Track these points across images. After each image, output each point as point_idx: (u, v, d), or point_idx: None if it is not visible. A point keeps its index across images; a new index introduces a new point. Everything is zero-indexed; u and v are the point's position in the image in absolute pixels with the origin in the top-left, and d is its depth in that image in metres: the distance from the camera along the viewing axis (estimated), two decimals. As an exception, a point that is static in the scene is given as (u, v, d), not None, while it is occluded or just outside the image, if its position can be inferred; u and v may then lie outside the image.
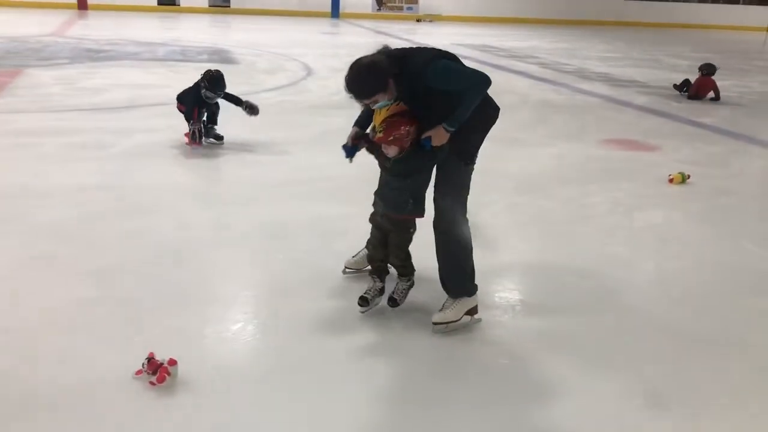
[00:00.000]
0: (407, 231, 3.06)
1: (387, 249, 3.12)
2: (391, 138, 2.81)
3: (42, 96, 7.88)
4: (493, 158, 5.98)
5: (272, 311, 3.20)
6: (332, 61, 12.24)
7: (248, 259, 3.79)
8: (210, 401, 2.48)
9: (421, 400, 2.56)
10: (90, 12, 21.44)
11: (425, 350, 2.90)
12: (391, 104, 2.83)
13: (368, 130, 3.01)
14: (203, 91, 5.61)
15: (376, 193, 3.12)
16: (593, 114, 8.60)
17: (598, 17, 27.31)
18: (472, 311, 3.08)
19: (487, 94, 2.93)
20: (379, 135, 2.83)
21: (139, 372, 2.54)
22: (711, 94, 9.65)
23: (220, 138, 5.93)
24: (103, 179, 4.95)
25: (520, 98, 9.45)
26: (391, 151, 2.87)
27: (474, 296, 3.09)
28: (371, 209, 3.21)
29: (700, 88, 9.69)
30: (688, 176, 5.49)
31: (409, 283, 3.18)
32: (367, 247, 3.32)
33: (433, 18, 25.02)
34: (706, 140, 7.29)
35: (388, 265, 3.20)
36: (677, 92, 9.99)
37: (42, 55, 11.14)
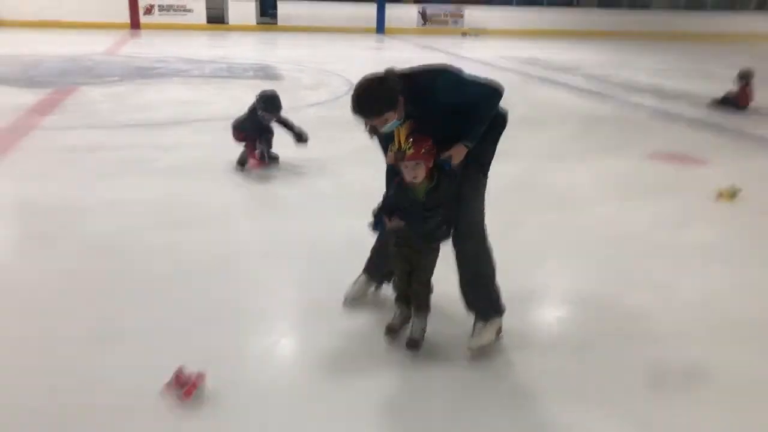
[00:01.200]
0: (436, 252, 2.95)
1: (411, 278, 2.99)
2: (423, 151, 2.68)
3: (92, 113, 8.11)
4: (537, 172, 5.93)
5: (304, 328, 3.19)
6: (376, 76, 12.26)
7: (283, 274, 3.80)
8: (236, 417, 2.47)
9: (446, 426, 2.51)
10: (142, 31, 22.07)
11: (451, 374, 2.83)
12: (401, 124, 2.69)
13: (390, 154, 2.79)
14: (260, 112, 5.56)
15: (402, 228, 2.92)
16: (640, 127, 8.41)
17: (648, 29, 26.79)
18: (498, 330, 3.01)
19: None
20: (410, 152, 2.68)
21: (167, 386, 2.56)
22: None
23: (275, 158, 5.88)
24: (146, 194, 5.04)
25: (566, 111, 9.31)
26: (420, 174, 2.72)
27: (503, 315, 3.01)
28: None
29: (751, 96, 9.43)
30: (739, 191, 5.29)
31: (425, 323, 3.01)
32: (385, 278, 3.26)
33: (478, 32, 24.93)
34: (759, 154, 7.05)
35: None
36: (725, 105, 9.64)
37: (94, 73, 11.49)
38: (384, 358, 2.91)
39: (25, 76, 10.77)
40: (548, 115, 9.00)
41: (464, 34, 24.91)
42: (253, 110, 5.63)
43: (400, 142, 2.71)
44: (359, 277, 3.35)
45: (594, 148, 7.11)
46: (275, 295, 3.56)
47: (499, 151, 2.92)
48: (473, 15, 25.74)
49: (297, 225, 4.59)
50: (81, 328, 3.08)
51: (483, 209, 2.89)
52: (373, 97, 2.63)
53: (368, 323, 3.18)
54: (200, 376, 2.53)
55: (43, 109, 8.15)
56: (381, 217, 2.85)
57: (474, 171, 2.83)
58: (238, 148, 5.80)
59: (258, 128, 5.65)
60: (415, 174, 2.73)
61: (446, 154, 2.73)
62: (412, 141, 2.69)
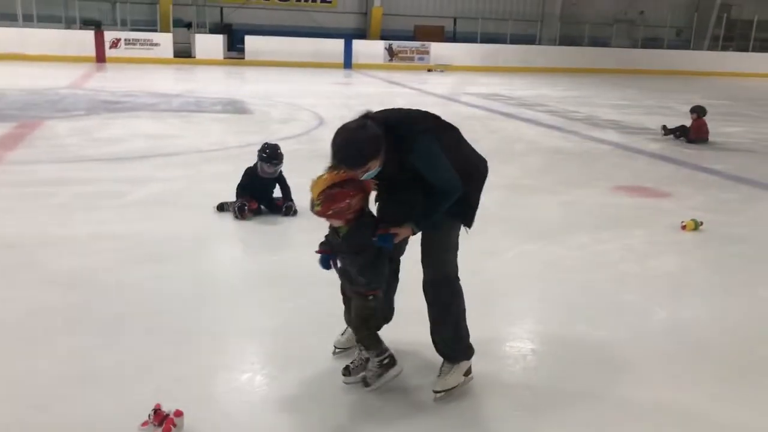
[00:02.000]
0: (365, 299, 2.82)
1: None
2: (330, 212, 2.62)
3: (58, 147, 8.03)
4: (504, 205, 6.01)
5: (280, 362, 3.16)
6: (344, 111, 12.40)
7: (258, 308, 3.78)
8: (216, 454, 2.45)
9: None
10: (108, 65, 21.96)
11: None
12: (375, 172, 2.61)
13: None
14: (259, 164, 5.34)
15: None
16: (604, 161, 8.62)
17: (609, 66, 27.54)
18: (468, 372, 2.94)
19: (472, 147, 2.87)
20: (318, 208, 2.61)
21: (145, 423, 2.52)
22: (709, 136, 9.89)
23: (293, 212, 5.44)
24: (116, 228, 4.98)
25: (530, 146, 9.51)
26: (335, 223, 2.70)
27: (471, 358, 2.94)
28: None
29: (700, 130, 9.84)
30: (701, 223, 5.45)
31: (379, 360, 2.86)
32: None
33: (443, 68, 25.39)
34: (719, 187, 7.27)
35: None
36: (670, 137, 10.11)
37: (60, 107, 11.38)
38: (353, 399, 2.86)
39: (-12, 110, 10.63)
40: (514, 149, 9.18)
41: (430, 69, 25.33)
42: (251, 169, 5.43)
43: (312, 196, 2.63)
44: (347, 327, 3.20)
45: (560, 181, 7.25)
46: (250, 330, 3.53)
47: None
48: (438, 51, 26.25)
49: (271, 259, 4.59)
50: (52, 366, 3.01)
51: (455, 254, 2.85)
52: (357, 146, 2.54)
53: (346, 354, 3.16)
54: (178, 413, 2.50)
55: (8, 143, 8.04)
56: (325, 255, 2.82)
57: (452, 219, 2.77)
58: (208, 182, 5.78)
59: (252, 187, 5.38)
60: (330, 222, 2.72)
61: (393, 230, 2.68)
62: (323, 198, 2.60)
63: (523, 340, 3.56)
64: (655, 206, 6.28)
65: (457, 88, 18.07)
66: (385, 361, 2.87)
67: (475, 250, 4.57)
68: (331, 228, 2.77)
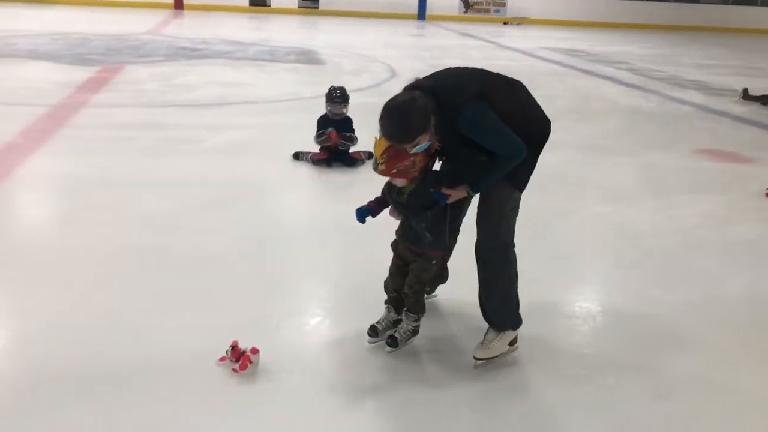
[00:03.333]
0: (428, 262, 2.80)
1: (404, 279, 2.85)
2: (395, 171, 2.60)
3: (140, 91, 8.27)
4: (580, 166, 5.90)
5: (349, 308, 3.23)
6: (417, 63, 12.30)
7: (331, 255, 3.87)
8: (288, 391, 2.55)
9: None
10: (185, 12, 22.32)
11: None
12: (429, 144, 2.58)
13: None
14: (328, 104, 5.43)
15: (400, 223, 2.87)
16: (686, 123, 8.29)
17: (696, 22, 26.22)
18: (513, 341, 2.86)
19: (537, 106, 2.71)
20: (381, 167, 2.60)
21: (222, 359, 2.64)
22: None
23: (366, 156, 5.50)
24: (195, 173, 5.14)
25: (609, 105, 9.22)
26: (399, 182, 2.68)
27: (518, 329, 2.85)
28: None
29: None
30: (787, 191, 5.21)
31: (415, 325, 2.87)
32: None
33: (520, 21, 24.71)
34: (808, 154, 6.90)
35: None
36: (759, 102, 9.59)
37: (140, 53, 11.68)
38: (426, 338, 2.93)
39: (74, 53, 11.01)
40: (592, 108, 8.93)
41: (506, 22, 24.71)
42: (324, 116, 5.50)
43: (375, 155, 2.64)
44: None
45: (639, 142, 7.03)
46: (321, 274, 3.64)
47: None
48: (516, 3, 25.51)
49: (339, 206, 4.62)
50: (134, 302, 3.18)
51: (512, 220, 2.74)
52: (405, 122, 2.48)
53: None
54: (254, 350, 2.61)
55: (93, 86, 8.34)
56: (365, 209, 2.85)
57: (506, 182, 2.63)
58: (282, 131, 5.84)
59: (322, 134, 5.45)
60: (394, 182, 2.70)
61: (446, 191, 2.62)
62: (387, 157, 2.58)
63: (593, 300, 3.53)
64: (738, 171, 6.03)
65: (534, 42, 17.58)
66: (417, 329, 2.90)
67: (546, 210, 4.56)
68: (394, 188, 2.75)
